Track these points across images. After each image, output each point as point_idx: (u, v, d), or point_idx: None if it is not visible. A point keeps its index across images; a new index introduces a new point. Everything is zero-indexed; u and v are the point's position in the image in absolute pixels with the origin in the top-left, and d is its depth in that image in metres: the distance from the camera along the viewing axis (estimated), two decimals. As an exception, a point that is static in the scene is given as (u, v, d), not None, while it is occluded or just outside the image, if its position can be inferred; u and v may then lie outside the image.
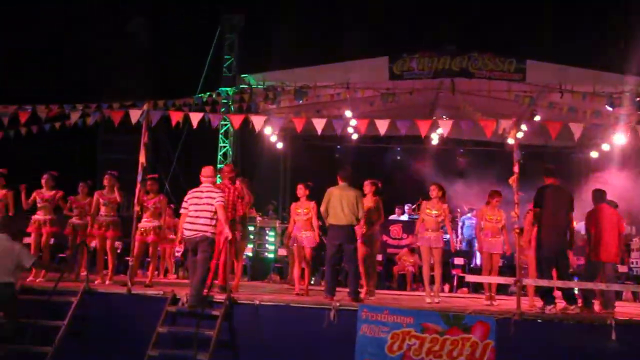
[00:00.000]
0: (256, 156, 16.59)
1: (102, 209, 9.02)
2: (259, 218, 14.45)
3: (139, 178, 7.82)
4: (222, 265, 7.71)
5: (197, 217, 7.16)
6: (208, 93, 13.83)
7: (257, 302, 7.14)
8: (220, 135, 16.11)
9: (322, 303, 7.23)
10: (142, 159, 7.72)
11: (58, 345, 6.84)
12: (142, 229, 8.85)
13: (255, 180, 16.53)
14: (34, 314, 7.12)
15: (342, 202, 7.94)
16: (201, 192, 7.32)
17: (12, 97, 9.34)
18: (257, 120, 8.40)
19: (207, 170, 7.44)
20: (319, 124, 8.02)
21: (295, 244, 8.70)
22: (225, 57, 15.99)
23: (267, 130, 16.81)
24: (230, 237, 7.24)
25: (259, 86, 15.73)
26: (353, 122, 16.90)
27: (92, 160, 16.50)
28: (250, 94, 15.12)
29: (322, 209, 8.12)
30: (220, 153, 16.11)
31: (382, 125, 8.04)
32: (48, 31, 16.33)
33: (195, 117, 8.15)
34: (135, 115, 7.95)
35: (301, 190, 8.85)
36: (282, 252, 13.46)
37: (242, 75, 15.63)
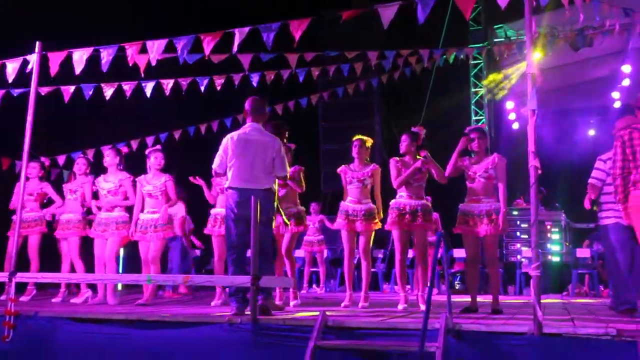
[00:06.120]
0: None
1: None
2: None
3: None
4: None
5: None
6: (454, 54, 10.03)
7: None
8: (472, 107, 12.35)
9: None
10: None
11: None
12: None
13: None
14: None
15: None
16: None
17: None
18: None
19: None
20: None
21: None
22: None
23: (509, 105, 13.29)
24: None
25: (521, 37, 12.15)
26: (626, 82, 12.95)
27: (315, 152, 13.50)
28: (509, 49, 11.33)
29: None
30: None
31: None
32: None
33: None
34: None
35: None
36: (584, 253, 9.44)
37: (496, 27, 12.10)
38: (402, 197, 5.73)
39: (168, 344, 4.42)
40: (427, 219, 5.67)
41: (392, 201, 5.80)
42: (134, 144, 9.17)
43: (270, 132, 5.26)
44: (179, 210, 8.35)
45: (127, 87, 7.26)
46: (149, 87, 7.30)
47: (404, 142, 5.82)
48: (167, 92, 7.47)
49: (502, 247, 10.74)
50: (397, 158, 5.85)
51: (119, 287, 7.25)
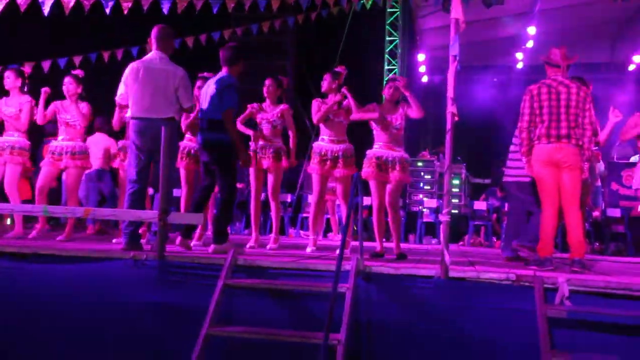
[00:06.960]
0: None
1: None
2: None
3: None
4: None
5: None
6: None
7: None
8: (385, 55, 12.38)
9: None
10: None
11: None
12: None
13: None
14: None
15: None
16: None
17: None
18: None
19: None
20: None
21: None
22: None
23: (420, 58, 13.48)
24: None
25: (436, -11, 12.18)
26: (530, 44, 13.32)
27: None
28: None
29: None
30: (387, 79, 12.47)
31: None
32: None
33: None
34: None
35: None
36: (481, 206, 9.96)
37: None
38: (323, 141, 5.64)
39: (67, 279, 4.19)
40: (348, 164, 5.60)
41: (315, 143, 5.73)
42: (28, 67, 8.44)
43: (227, 57, 5.03)
44: (110, 142, 7.59)
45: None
46: (47, 4, 6.68)
47: (326, 81, 5.69)
48: (67, 11, 6.88)
49: (405, 197, 11.04)
50: (320, 99, 5.76)
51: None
